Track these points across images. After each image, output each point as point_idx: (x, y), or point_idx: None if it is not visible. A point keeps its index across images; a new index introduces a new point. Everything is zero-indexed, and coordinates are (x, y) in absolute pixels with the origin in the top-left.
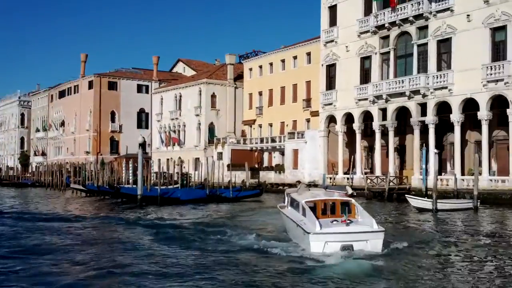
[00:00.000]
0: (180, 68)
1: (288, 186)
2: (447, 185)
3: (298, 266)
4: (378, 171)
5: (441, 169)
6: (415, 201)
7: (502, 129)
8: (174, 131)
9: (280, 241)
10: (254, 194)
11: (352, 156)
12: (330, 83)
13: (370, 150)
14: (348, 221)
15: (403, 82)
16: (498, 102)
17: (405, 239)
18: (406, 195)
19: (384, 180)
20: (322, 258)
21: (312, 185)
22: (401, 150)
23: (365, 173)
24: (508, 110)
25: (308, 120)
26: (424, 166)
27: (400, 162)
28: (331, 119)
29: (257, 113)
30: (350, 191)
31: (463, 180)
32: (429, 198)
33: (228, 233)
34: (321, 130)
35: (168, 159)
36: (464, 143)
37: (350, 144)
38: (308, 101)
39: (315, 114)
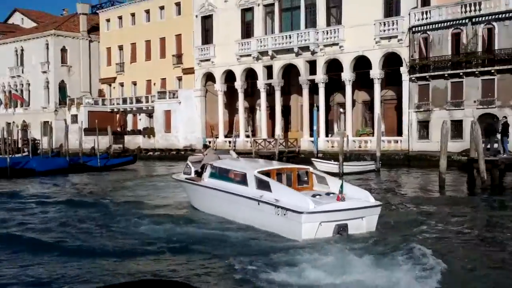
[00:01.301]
0: (17, 19)
1: (160, 152)
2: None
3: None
4: (264, 134)
5: (327, 131)
6: (322, 165)
7: (390, 88)
8: (16, 91)
9: (213, 227)
10: (126, 162)
11: (235, 118)
12: (207, 37)
13: (251, 111)
14: (328, 194)
15: (290, 37)
16: (387, 60)
17: None
18: (312, 159)
19: (272, 143)
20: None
21: (189, 150)
22: (285, 111)
23: (248, 136)
24: (401, 69)
25: (179, 78)
26: (315, 128)
27: (285, 123)
28: (209, 77)
29: (117, 70)
30: (234, 155)
31: (354, 141)
32: (321, 160)
33: (121, 217)
34: (198, 89)
35: (9, 123)
36: (351, 103)
37: (230, 105)
38: (179, 57)
39: (188, 71)
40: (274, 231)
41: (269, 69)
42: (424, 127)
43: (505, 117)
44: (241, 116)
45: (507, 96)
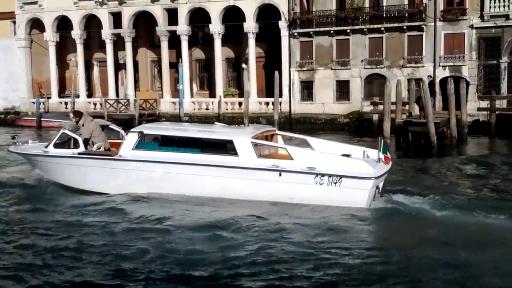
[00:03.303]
0: None
1: None
2: (207, 109)
3: None
4: (111, 93)
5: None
6: None
7: (258, 45)
8: None
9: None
10: None
11: (66, 74)
12: None
13: (86, 67)
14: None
15: None
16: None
17: None
18: (216, 123)
19: (127, 105)
20: None
21: (12, 113)
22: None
23: (91, 96)
24: (280, 23)
25: None
26: (180, 87)
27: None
28: (34, 24)
29: None
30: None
31: (226, 103)
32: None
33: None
34: (21, 38)
35: None
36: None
37: (60, 59)
38: None
39: (3, 16)
40: (312, 202)
41: (116, 16)
42: (306, 87)
43: (430, 76)
44: (81, 72)
45: (396, 55)
